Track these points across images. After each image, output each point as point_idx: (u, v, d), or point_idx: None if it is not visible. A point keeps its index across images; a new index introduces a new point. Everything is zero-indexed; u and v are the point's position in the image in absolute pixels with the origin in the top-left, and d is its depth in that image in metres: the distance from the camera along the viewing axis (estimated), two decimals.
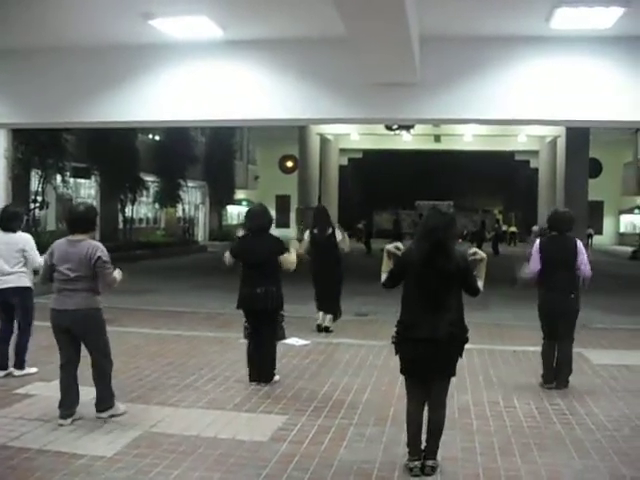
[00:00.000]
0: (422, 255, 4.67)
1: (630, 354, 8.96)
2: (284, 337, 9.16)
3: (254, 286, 7.02)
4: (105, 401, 5.82)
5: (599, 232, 43.53)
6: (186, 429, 5.62)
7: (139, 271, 18.82)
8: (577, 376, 7.33)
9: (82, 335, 5.81)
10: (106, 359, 5.90)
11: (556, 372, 7.08)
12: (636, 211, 43.35)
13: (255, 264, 7.07)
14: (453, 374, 4.91)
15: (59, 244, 5.83)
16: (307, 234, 10.19)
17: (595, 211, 40.80)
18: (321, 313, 10.23)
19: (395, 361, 5.00)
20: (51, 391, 6.60)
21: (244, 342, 7.44)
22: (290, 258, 7.17)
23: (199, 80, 10.66)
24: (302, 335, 9.61)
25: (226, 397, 6.61)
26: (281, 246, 7.17)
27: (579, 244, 7.06)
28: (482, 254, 4.92)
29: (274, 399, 6.58)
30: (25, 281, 7.26)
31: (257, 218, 7.29)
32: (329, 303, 10.22)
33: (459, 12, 8.95)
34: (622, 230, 45.61)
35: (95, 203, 29.33)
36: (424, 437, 4.85)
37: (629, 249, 33.29)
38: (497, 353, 8.78)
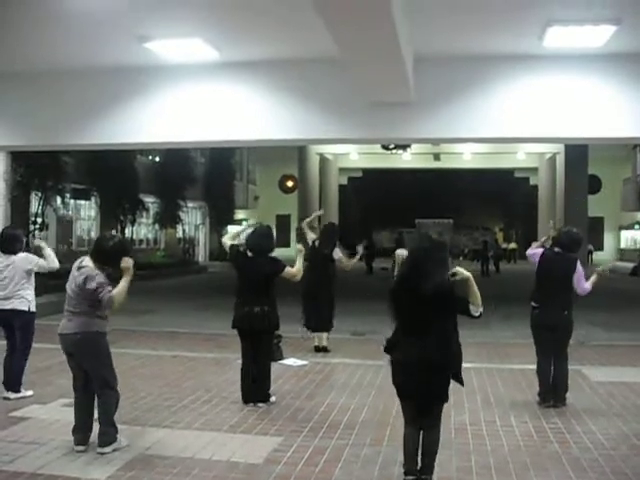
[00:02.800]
0: (401, 278, 4.65)
1: (629, 371, 8.93)
2: (282, 358, 9.20)
3: (251, 306, 6.99)
4: (108, 435, 5.53)
5: (599, 248, 43.53)
6: (181, 451, 5.59)
7: (139, 292, 18.64)
8: (575, 394, 7.30)
9: (81, 361, 5.56)
10: (111, 390, 5.59)
11: (553, 390, 7.05)
12: (636, 227, 43.38)
13: (251, 283, 7.04)
14: (444, 400, 4.79)
15: (74, 265, 5.65)
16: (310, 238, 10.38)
17: (595, 227, 40.84)
18: (316, 334, 10.20)
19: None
20: (47, 414, 6.60)
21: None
22: (292, 271, 7.13)
23: (195, 102, 10.69)
24: (300, 355, 9.59)
25: (222, 418, 6.58)
26: (277, 266, 7.08)
27: (578, 264, 7.06)
28: (464, 273, 4.55)
29: (270, 420, 6.55)
30: (27, 304, 7.24)
31: (260, 239, 7.21)
32: (323, 319, 10.09)
33: (452, 31, 8.97)
34: (622, 246, 45.59)
35: (95, 224, 29.48)
36: (420, 458, 4.82)
37: (630, 265, 33.20)
38: (495, 372, 8.74)
